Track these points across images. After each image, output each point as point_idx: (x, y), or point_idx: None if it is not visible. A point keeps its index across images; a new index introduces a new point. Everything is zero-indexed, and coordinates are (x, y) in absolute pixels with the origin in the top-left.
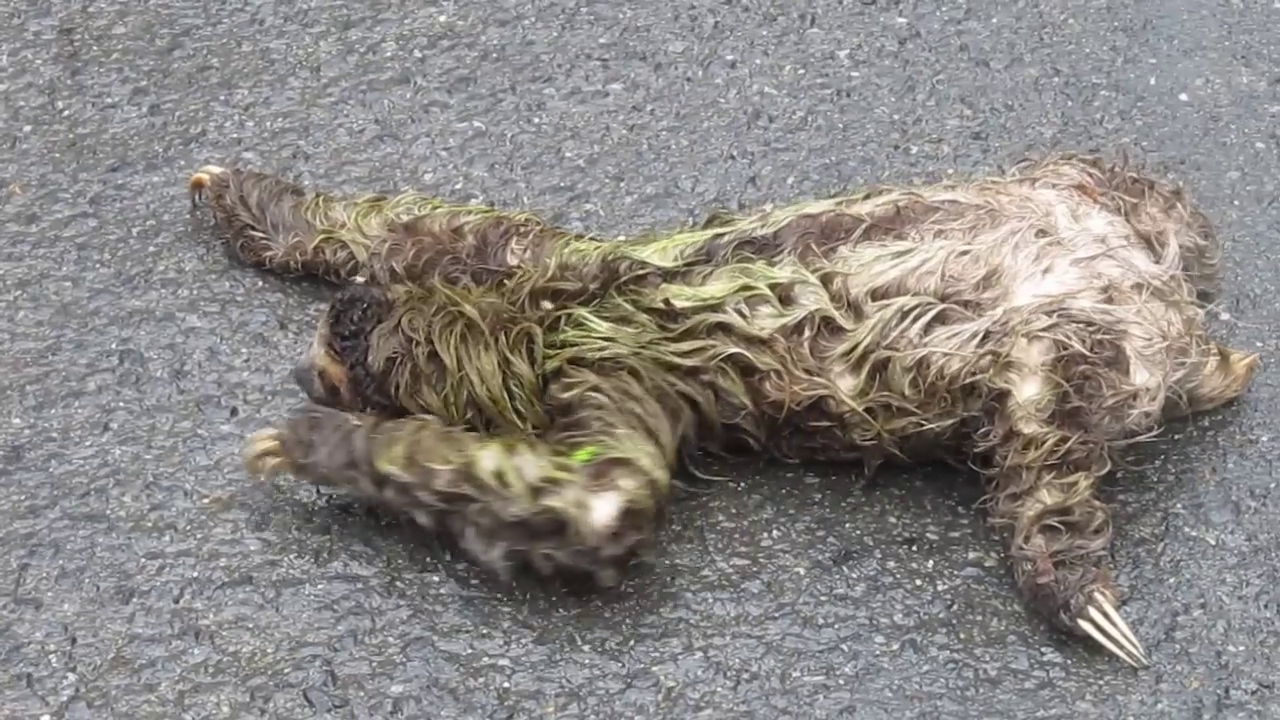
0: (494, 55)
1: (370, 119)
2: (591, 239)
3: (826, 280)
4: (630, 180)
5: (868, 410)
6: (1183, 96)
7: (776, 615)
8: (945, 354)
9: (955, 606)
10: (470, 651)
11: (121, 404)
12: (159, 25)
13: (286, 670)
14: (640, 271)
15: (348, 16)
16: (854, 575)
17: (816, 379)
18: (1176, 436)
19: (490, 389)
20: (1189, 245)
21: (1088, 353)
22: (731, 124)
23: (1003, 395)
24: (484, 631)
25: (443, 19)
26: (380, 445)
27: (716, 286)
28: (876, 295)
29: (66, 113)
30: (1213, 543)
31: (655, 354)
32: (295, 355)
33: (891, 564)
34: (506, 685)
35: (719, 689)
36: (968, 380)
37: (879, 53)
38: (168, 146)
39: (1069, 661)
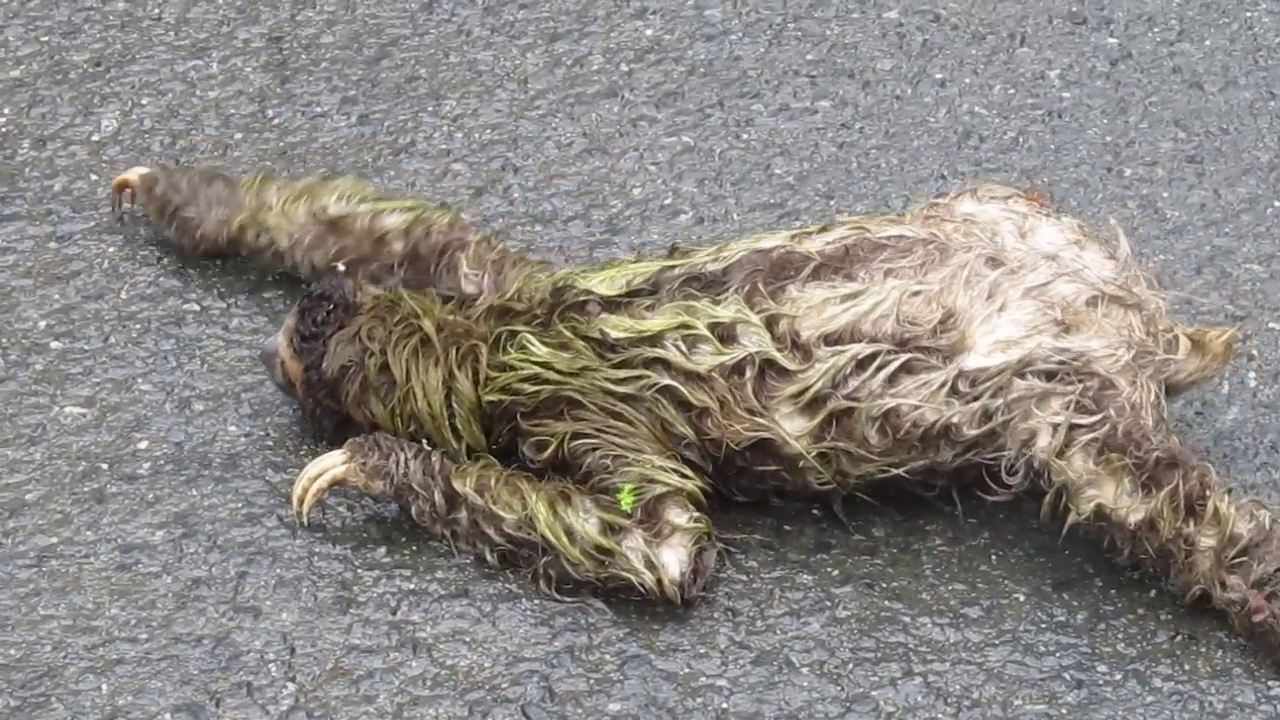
0: (701, 70)
1: (578, 132)
2: (544, 264)
3: (772, 322)
4: (840, 198)
5: (821, 456)
6: None
7: (997, 642)
8: (916, 405)
9: (1179, 637)
10: (688, 671)
11: None
12: (366, 35)
13: (504, 685)
14: (582, 299)
15: (554, 29)
16: (1075, 603)
17: (759, 419)
18: None
19: (431, 404)
20: None
21: (1093, 408)
22: (942, 143)
23: (1099, 512)
24: (701, 651)
25: (649, 33)
26: (452, 467)
27: (657, 321)
28: (829, 340)
29: (276, 121)
30: None
31: (591, 380)
32: None
33: (1113, 592)
34: (725, 706)
35: (940, 715)
36: (941, 429)
37: (1090, 73)
38: (377, 156)
39: None
